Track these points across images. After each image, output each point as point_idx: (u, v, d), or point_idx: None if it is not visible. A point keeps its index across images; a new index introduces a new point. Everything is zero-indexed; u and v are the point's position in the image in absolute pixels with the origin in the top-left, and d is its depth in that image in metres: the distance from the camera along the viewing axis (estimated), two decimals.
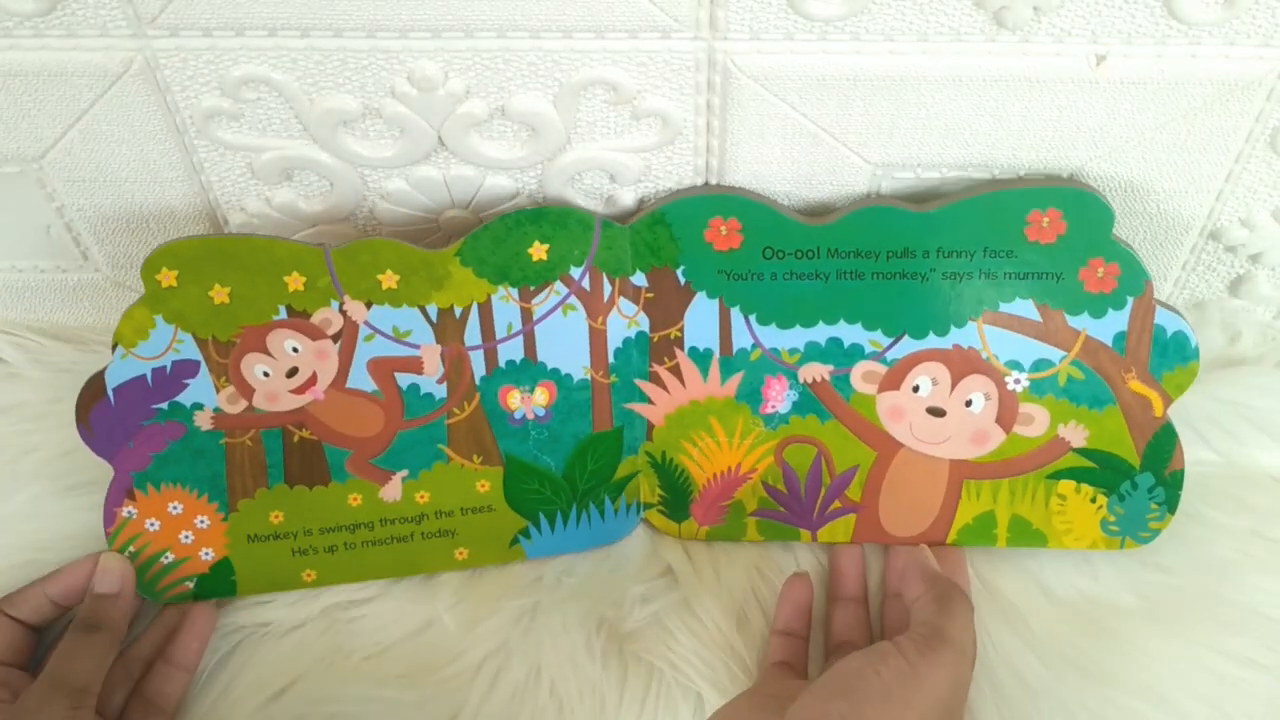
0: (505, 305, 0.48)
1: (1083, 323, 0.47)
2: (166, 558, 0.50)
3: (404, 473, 0.50)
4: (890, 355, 0.49)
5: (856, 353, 0.49)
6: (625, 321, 0.49)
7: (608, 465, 0.52)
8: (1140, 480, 0.50)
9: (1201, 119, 0.45)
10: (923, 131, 0.46)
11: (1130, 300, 0.46)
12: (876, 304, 0.48)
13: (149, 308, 0.46)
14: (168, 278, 0.45)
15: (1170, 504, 0.50)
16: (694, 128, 0.46)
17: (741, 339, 0.49)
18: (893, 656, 0.39)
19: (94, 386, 0.47)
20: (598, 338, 0.49)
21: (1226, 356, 0.55)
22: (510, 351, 0.49)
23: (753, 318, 0.48)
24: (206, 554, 0.50)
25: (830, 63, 0.44)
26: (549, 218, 0.46)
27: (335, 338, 0.47)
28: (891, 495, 0.51)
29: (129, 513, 0.49)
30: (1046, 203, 0.45)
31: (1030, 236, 0.46)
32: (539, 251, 0.47)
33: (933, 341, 0.48)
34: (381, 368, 0.48)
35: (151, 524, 0.49)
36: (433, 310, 0.47)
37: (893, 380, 0.49)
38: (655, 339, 0.49)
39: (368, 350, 0.48)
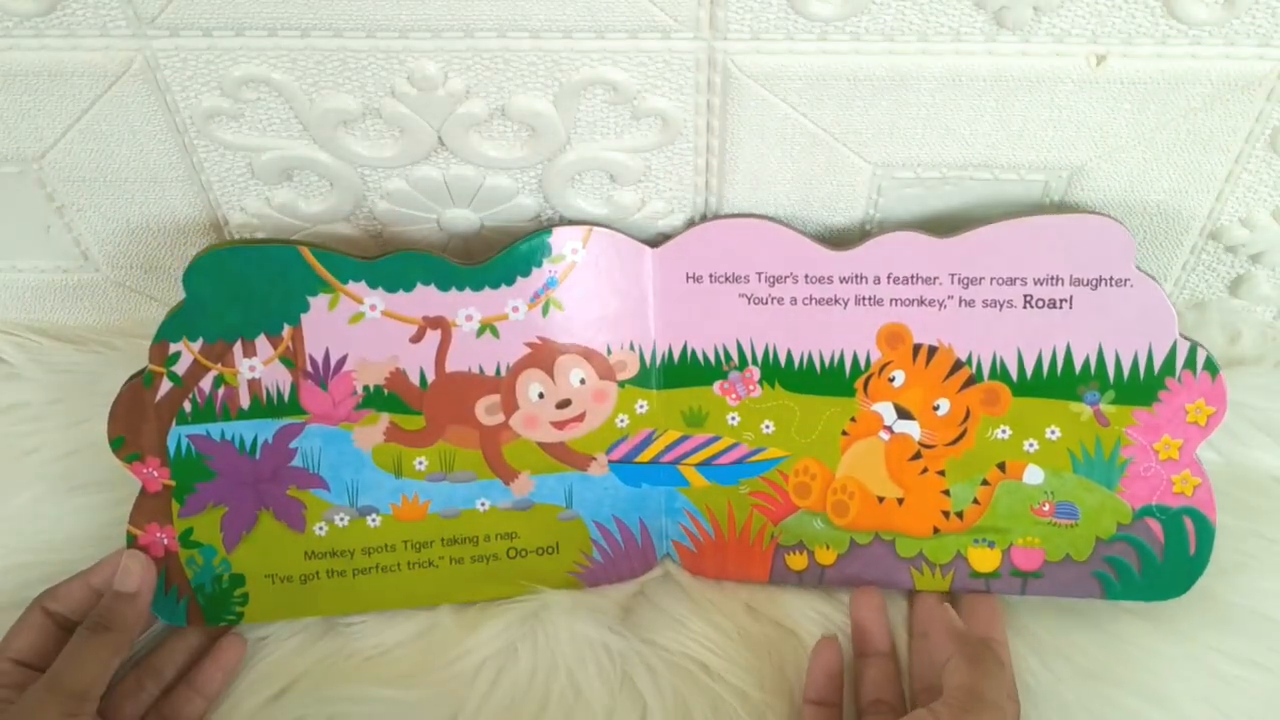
0: None
1: None
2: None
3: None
4: None
5: None
6: None
7: None
8: None
9: (1201, 119, 0.45)
10: (923, 131, 0.46)
11: None
12: None
13: None
14: None
15: None
16: (694, 128, 0.46)
17: None
18: None
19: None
20: None
21: (1226, 356, 0.54)
22: None
23: None
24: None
25: (830, 63, 0.44)
26: None
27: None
28: None
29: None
30: None
31: None
32: None
33: None
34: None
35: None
36: None
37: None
38: None
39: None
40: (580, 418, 0.50)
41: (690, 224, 0.50)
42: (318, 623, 0.51)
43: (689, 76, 0.44)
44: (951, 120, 0.45)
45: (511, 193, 0.49)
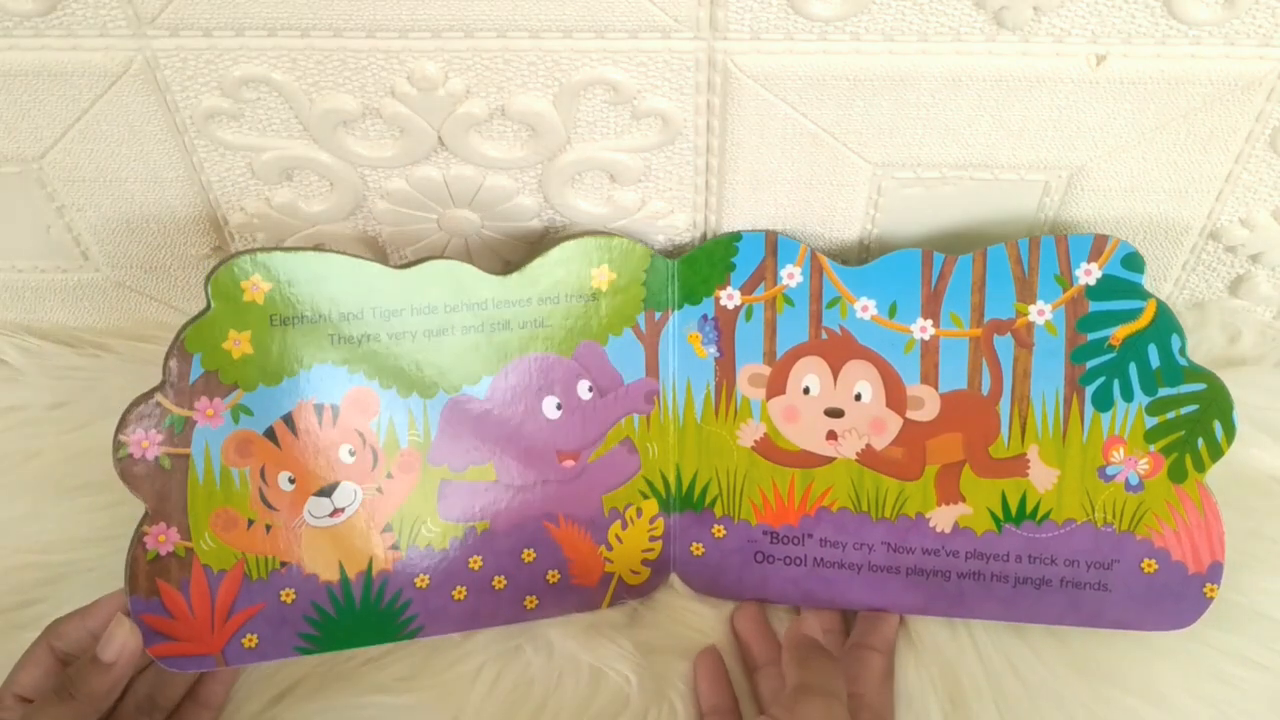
0: None
1: None
2: None
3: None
4: None
5: None
6: None
7: None
8: None
9: (1201, 119, 0.45)
10: (923, 131, 0.46)
11: None
12: None
13: None
14: None
15: None
16: (694, 128, 0.46)
17: None
18: None
19: None
20: None
21: (1226, 356, 0.55)
22: None
23: None
24: None
25: (830, 63, 0.44)
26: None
27: None
28: None
29: None
30: None
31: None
32: None
33: None
34: None
35: None
36: None
37: None
38: None
39: None
40: None
41: (692, 224, 0.50)
42: None
43: (689, 76, 0.44)
44: (951, 120, 0.46)
45: (511, 193, 0.49)
